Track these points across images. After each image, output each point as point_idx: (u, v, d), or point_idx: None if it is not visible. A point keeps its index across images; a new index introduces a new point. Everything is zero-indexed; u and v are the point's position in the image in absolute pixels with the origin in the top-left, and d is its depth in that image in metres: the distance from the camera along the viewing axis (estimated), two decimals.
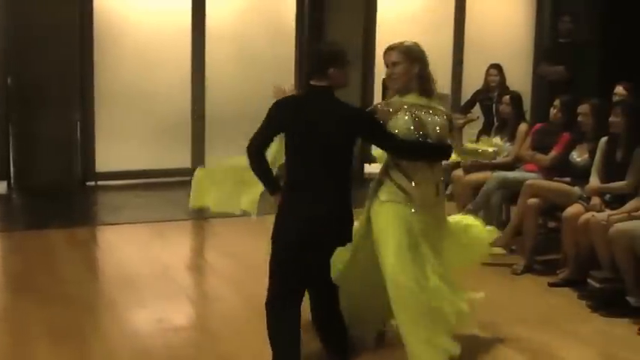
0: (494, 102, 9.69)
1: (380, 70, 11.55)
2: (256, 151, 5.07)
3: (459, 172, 8.66)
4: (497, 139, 8.42)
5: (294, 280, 5.02)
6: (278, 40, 11.61)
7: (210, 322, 6.52)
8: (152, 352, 5.74)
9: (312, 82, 5.02)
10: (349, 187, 5.06)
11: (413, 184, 5.22)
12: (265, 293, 5.02)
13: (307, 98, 5.12)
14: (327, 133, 4.90)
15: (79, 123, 10.84)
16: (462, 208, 8.15)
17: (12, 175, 10.61)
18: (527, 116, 9.22)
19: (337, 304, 5.30)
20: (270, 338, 5.01)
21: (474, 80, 10.10)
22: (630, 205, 6.85)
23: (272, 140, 5.14)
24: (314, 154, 4.95)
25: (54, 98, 10.47)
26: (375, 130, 5.15)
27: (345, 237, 5.08)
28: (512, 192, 8.00)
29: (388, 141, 5.19)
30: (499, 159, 8.37)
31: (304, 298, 5.12)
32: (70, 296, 6.80)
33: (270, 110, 5.10)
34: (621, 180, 7.08)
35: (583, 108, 7.65)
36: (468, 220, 5.97)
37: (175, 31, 11.26)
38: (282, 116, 5.05)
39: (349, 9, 11.67)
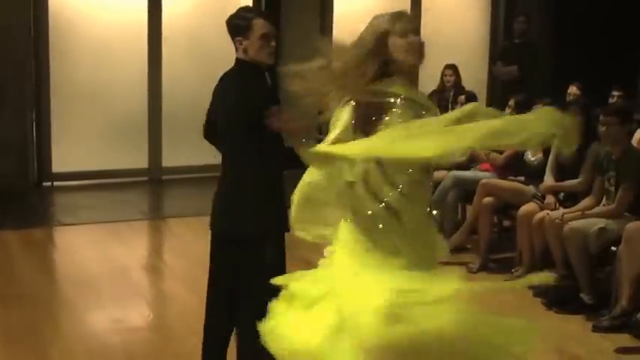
0: (449, 102, 9.76)
1: None
2: (208, 136, 4.91)
3: None
4: None
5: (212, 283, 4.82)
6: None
7: (167, 322, 6.52)
8: (109, 353, 5.74)
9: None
10: (254, 181, 4.52)
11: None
12: None
13: (229, 74, 4.74)
14: (223, 112, 4.61)
15: (34, 123, 10.78)
16: None
17: None
18: None
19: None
20: None
21: (429, 80, 10.16)
22: (583, 203, 6.94)
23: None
24: (223, 137, 4.64)
25: (9, 99, 10.38)
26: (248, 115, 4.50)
27: (244, 239, 4.51)
28: (467, 191, 8.07)
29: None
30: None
31: None
32: (26, 297, 6.76)
33: None
34: (575, 178, 7.18)
35: (537, 108, 7.73)
36: None
37: (131, 30, 11.20)
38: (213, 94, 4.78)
39: (306, 7, 11.69)
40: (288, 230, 4.69)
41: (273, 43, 4.60)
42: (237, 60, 4.66)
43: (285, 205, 4.64)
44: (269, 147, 4.48)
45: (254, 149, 4.46)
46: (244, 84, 4.57)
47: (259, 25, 4.55)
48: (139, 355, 5.74)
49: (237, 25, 4.60)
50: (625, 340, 6.11)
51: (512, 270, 7.45)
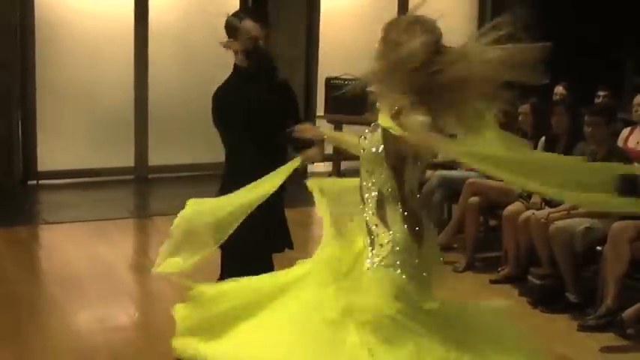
0: None
1: (324, 70, 11.57)
2: None
3: None
4: None
5: None
6: (222, 37, 11.51)
7: (153, 321, 6.50)
8: (94, 352, 5.72)
9: None
10: (235, 177, 4.39)
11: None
12: None
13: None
14: (213, 115, 4.63)
15: (20, 121, 10.73)
16: None
17: None
18: None
19: None
20: None
21: None
22: None
23: None
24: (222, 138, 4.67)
25: None
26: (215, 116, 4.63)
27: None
28: (453, 191, 8.07)
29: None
30: (440, 158, 8.45)
31: None
32: (11, 296, 6.74)
33: None
34: None
35: (524, 108, 7.75)
36: None
37: (118, 28, 11.17)
38: None
39: (293, 7, 11.67)
40: (284, 249, 4.77)
41: None
42: (234, 63, 4.69)
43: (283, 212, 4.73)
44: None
45: (240, 150, 4.48)
46: (232, 87, 4.60)
47: (247, 27, 4.56)
48: (125, 354, 5.73)
49: (230, 25, 4.64)
50: (610, 339, 6.14)
51: (499, 269, 7.46)
